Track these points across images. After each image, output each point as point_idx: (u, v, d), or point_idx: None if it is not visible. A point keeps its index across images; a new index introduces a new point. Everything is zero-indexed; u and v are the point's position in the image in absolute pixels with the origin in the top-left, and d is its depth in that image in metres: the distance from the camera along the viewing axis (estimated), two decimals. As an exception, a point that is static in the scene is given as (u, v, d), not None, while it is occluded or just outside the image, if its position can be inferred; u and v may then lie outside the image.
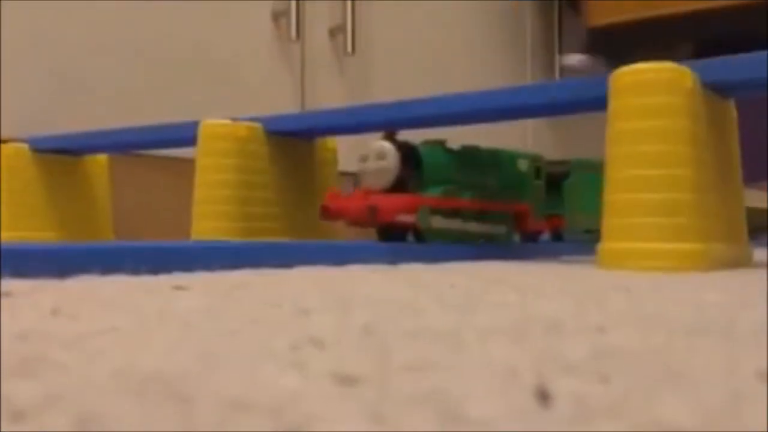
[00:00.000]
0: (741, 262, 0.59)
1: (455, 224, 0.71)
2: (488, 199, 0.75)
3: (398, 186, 0.68)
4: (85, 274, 0.39)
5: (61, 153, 0.90)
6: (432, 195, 0.68)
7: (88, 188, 0.94)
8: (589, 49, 1.40)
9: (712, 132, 0.57)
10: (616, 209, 0.54)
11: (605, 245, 0.54)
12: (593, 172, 0.86)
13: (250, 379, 0.15)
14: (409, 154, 0.69)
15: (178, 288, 0.34)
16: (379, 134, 0.71)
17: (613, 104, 0.55)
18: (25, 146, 0.88)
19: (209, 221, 0.71)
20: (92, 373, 0.15)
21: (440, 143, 0.74)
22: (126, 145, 0.90)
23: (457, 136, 0.76)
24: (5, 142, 0.88)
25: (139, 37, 1.04)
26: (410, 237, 0.71)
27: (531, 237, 0.87)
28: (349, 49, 1.25)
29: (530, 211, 0.81)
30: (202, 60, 1.10)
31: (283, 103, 1.15)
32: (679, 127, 0.53)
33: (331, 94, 1.24)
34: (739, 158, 0.63)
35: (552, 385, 0.14)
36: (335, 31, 1.25)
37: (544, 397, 0.14)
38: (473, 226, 0.73)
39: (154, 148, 0.96)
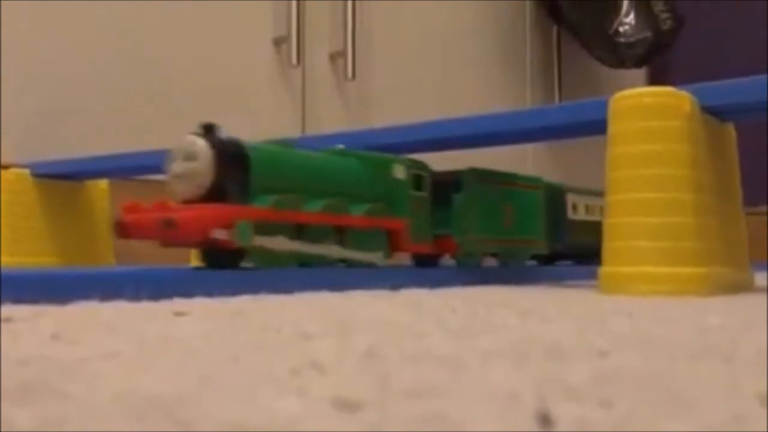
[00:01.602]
0: (742, 286, 0.59)
1: (296, 244, 0.57)
2: (347, 212, 0.61)
3: (216, 194, 0.54)
4: (86, 299, 0.39)
5: (62, 178, 0.90)
6: (259, 206, 0.55)
7: (88, 213, 0.94)
8: None
9: (712, 155, 0.57)
10: (617, 233, 0.54)
11: (606, 269, 0.54)
12: (491, 185, 0.75)
13: (250, 404, 0.15)
14: (229, 154, 0.56)
15: (179, 314, 0.34)
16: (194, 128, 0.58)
17: (613, 128, 0.55)
18: (26, 172, 0.89)
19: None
20: (92, 398, 0.15)
21: (284, 142, 0.62)
22: (127, 170, 0.90)
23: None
24: (6, 167, 0.89)
25: (140, 63, 1.04)
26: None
27: (427, 260, 0.75)
28: (350, 74, 1.25)
29: (407, 228, 0.67)
30: (204, 85, 1.10)
31: (285, 128, 1.16)
32: (678, 150, 0.53)
33: (331, 119, 1.25)
34: (739, 182, 0.63)
35: (554, 410, 0.14)
36: (336, 57, 1.26)
37: (545, 421, 0.14)
38: (326, 246, 0.60)
39: (155, 173, 0.96)
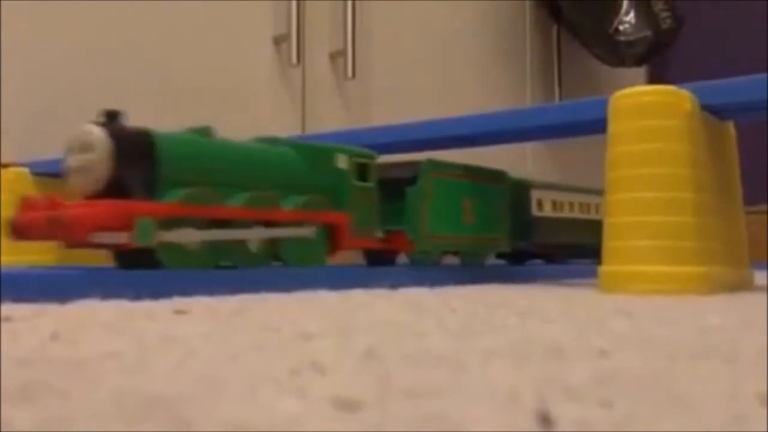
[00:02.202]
0: (742, 285, 0.59)
1: (205, 233, 0.51)
2: (277, 206, 0.55)
3: (116, 189, 0.48)
4: (86, 298, 0.39)
5: (62, 177, 0.90)
6: (166, 201, 0.49)
7: (88, 213, 0.93)
8: None
9: (712, 154, 0.57)
10: (617, 232, 0.54)
11: (606, 268, 0.54)
12: (450, 178, 0.70)
13: (250, 404, 0.15)
14: (131, 144, 0.50)
15: (179, 312, 0.34)
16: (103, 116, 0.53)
17: (613, 127, 0.55)
18: (26, 170, 0.89)
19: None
20: (92, 398, 0.15)
21: (202, 130, 0.57)
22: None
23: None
24: (6, 166, 0.89)
25: (140, 62, 1.04)
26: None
27: (380, 259, 0.69)
28: (350, 73, 1.25)
29: (348, 222, 0.61)
30: (204, 84, 1.10)
31: (285, 128, 1.16)
32: (678, 149, 0.53)
33: (331, 118, 1.24)
34: (739, 181, 0.63)
35: (554, 409, 0.14)
36: (336, 56, 1.26)
37: (545, 421, 0.14)
38: (254, 243, 0.54)
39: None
